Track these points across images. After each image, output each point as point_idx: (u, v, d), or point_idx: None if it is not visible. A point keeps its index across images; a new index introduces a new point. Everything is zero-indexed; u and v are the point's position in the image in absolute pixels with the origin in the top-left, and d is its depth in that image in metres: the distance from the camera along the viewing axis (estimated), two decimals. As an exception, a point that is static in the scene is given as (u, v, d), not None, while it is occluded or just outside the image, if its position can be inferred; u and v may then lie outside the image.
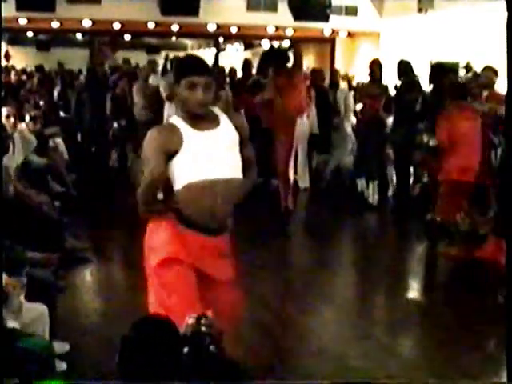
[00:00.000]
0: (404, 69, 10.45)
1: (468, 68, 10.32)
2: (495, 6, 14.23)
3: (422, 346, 5.89)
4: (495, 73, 9.60)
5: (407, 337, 6.08)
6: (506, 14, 3.41)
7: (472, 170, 8.25)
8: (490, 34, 14.39)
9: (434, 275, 8.23)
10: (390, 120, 10.85)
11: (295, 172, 12.23)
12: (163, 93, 11.48)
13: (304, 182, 12.18)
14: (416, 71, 10.70)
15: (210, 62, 18.74)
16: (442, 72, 10.17)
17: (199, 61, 3.90)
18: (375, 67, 10.85)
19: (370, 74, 10.87)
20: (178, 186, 3.80)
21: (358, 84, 11.95)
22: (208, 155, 3.77)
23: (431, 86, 10.33)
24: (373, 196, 10.84)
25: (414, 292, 7.46)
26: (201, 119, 3.81)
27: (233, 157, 3.87)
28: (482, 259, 7.82)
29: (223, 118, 3.89)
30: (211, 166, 3.78)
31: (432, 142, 9.64)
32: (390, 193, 11.23)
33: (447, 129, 8.28)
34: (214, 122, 3.86)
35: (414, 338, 6.11)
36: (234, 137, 3.89)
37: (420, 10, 16.35)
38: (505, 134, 3.35)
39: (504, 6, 4.07)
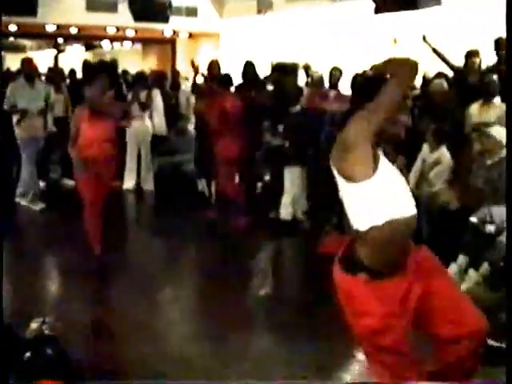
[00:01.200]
0: (248, 69, 10.61)
1: (307, 68, 10.59)
2: (332, 7, 14.68)
3: (270, 344, 5.92)
4: (340, 72, 9.93)
5: (256, 336, 6.12)
6: (505, 14, 3.44)
7: None
8: (328, 35, 14.86)
9: (283, 272, 8.41)
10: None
11: (138, 175, 12.19)
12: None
13: (148, 185, 12.14)
14: (259, 72, 10.89)
15: (49, 63, 18.33)
16: (282, 72, 10.40)
17: None
18: (214, 68, 10.95)
19: (209, 75, 10.95)
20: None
21: (195, 85, 11.98)
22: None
23: (273, 86, 10.54)
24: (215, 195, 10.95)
25: (262, 290, 7.51)
26: None
27: None
28: (325, 254, 8.07)
29: None
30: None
31: (274, 142, 9.89)
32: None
33: None
34: None
35: (263, 336, 6.14)
36: None
37: (259, 11, 16.61)
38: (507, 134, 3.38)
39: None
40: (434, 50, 9.24)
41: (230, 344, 5.74)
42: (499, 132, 7.40)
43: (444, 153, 8.21)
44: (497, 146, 7.38)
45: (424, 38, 9.24)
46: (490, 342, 5.16)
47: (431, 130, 8.18)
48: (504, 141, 7.33)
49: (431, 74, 9.74)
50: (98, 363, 5.07)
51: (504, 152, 7.37)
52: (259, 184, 10.92)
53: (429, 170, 8.20)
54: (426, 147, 8.29)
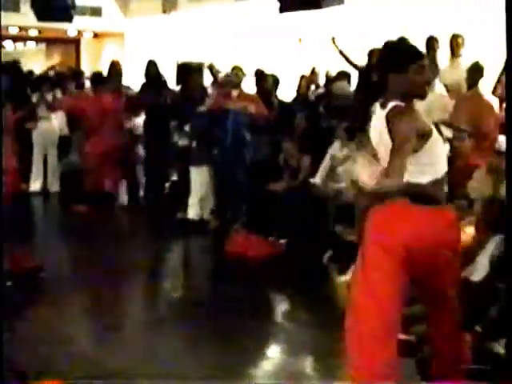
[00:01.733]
0: (151, 69, 10.53)
1: (212, 68, 10.55)
2: (236, 7, 14.69)
3: (180, 344, 5.84)
4: (243, 72, 9.92)
5: (166, 336, 6.06)
6: (505, 14, 3.42)
7: None
8: (233, 34, 14.86)
9: (191, 272, 8.38)
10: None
11: (45, 176, 11.95)
12: None
13: (55, 187, 11.93)
14: (162, 71, 10.82)
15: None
16: (187, 72, 10.36)
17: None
18: (114, 68, 10.89)
19: (110, 75, 10.90)
20: None
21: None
22: None
23: (179, 85, 10.50)
24: (122, 196, 10.83)
25: (172, 291, 7.44)
26: None
27: None
28: (233, 253, 8.08)
29: None
30: None
31: (181, 142, 9.84)
32: (141, 192, 11.17)
33: None
34: None
35: (173, 336, 6.09)
36: None
37: (164, 11, 16.52)
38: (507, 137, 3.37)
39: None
40: (341, 52, 9.34)
41: (138, 344, 5.68)
42: None
43: (354, 148, 8.27)
44: None
45: (333, 40, 9.31)
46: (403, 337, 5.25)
47: (343, 127, 8.25)
48: None
49: (334, 73, 9.85)
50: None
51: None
52: (167, 184, 10.85)
53: (338, 165, 8.28)
54: (336, 144, 8.37)
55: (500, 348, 4.47)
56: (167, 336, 5.92)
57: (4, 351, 3.83)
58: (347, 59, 9.39)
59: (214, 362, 5.22)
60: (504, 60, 3.32)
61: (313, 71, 10.48)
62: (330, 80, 9.82)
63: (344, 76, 9.50)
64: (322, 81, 10.52)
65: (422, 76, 3.93)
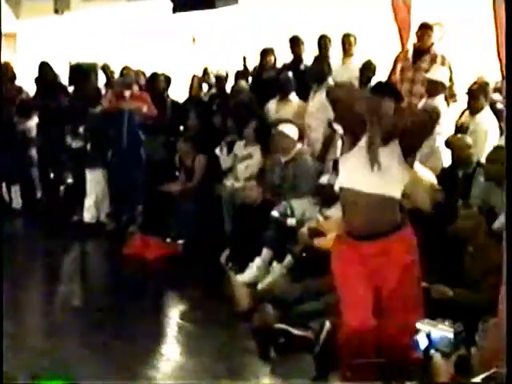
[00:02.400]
0: (44, 70, 10.33)
1: (105, 68, 10.44)
2: (130, 6, 14.53)
3: (79, 347, 5.75)
4: (134, 72, 9.85)
5: (64, 340, 5.94)
6: (505, 14, 3.39)
7: None
8: (126, 34, 14.73)
9: (87, 275, 8.27)
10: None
11: None
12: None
13: None
14: (56, 72, 10.62)
15: None
16: (80, 73, 10.21)
17: None
18: (7, 70, 10.66)
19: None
20: None
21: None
22: None
23: (72, 87, 10.33)
24: (16, 200, 10.58)
25: (68, 295, 7.28)
26: None
27: None
28: (130, 255, 8.02)
29: None
30: None
31: (75, 144, 9.68)
32: (38, 195, 10.89)
33: None
34: None
35: (72, 339, 5.99)
36: None
37: (56, 11, 16.20)
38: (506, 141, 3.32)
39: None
40: None
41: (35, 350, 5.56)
42: (291, 129, 7.57)
43: (256, 149, 8.32)
44: (291, 144, 7.55)
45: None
46: (295, 332, 5.30)
47: (252, 127, 8.29)
48: (296, 138, 7.56)
49: (224, 73, 9.89)
50: None
51: (298, 147, 7.59)
52: (62, 187, 10.65)
53: (238, 164, 8.31)
54: (240, 143, 8.39)
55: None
56: (65, 341, 5.83)
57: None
58: None
59: (113, 364, 5.17)
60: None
61: (205, 71, 10.48)
62: (221, 80, 9.84)
63: (242, 76, 9.57)
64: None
65: None
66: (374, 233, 4.25)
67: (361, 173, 4.21)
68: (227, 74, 9.92)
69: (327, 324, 5.12)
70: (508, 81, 3.39)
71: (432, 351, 3.24)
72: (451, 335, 3.21)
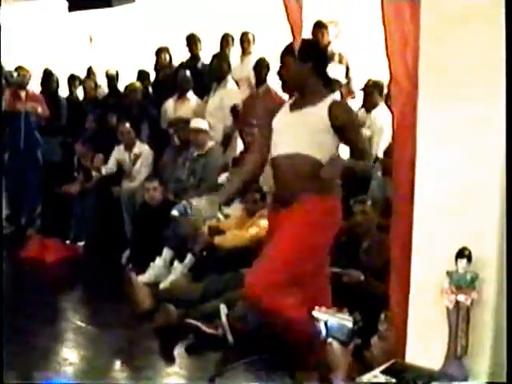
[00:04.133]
0: None
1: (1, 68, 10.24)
2: (25, 5, 14.25)
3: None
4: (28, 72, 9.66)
5: None
6: (505, 14, 3.34)
7: None
8: (23, 33, 14.42)
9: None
10: None
11: None
12: None
13: None
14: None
15: None
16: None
17: None
18: None
19: None
20: None
21: None
22: None
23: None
24: None
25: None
26: None
27: None
28: (29, 258, 7.87)
29: None
30: None
31: None
32: None
33: None
34: None
35: None
36: None
37: None
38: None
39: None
40: None
41: None
42: (198, 122, 7.66)
43: (144, 148, 8.33)
44: (205, 137, 7.65)
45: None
46: (203, 328, 5.30)
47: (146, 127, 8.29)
48: (205, 128, 7.66)
49: (114, 72, 9.83)
50: None
51: (211, 143, 7.68)
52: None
53: (130, 165, 8.28)
54: (137, 143, 8.38)
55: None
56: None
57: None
58: None
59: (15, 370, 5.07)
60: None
61: (89, 71, 10.42)
62: (112, 79, 9.78)
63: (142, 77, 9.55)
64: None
65: None
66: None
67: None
68: (117, 73, 9.87)
69: (222, 306, 5.23)
70: (508, 81, 3.41)
71: (330, 339, 3.29)
72: (349, 324, 3.26)
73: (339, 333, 3.25)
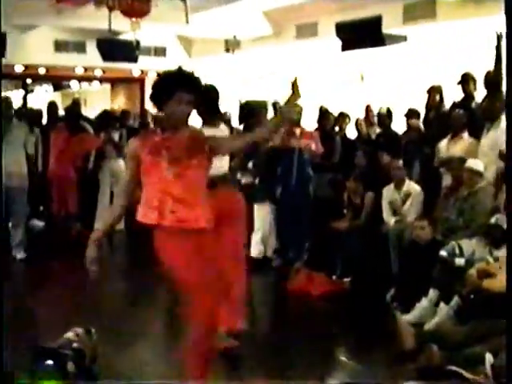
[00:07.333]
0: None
1: (276, 105, 10.65)
2: (299, 44, 14.77)
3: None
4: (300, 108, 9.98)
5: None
6: (505, 15, 3.47)
7: None
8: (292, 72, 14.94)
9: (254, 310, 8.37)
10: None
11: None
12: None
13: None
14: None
15: (18, 103, 18.13)
16: (250, 111, 10.42)
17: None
18: None
19: None
20: None
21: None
22: None
23: (242, 125, 10.57)
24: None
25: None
26: None
27: None
28: (296, 291, 8.04)
29: None
30: None
31: (245, 180, 9.87)
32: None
33: None
34: None
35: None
36: None
37: (227, 50, 16.70)
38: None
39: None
40: None
41: None
42: (476, 164, 7.56)
43: (414, 186, 8.33)
44: (475, 177, 7.53)
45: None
46: (467, 375, 5.19)
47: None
48: (481, 171, 7.54)
49: (385, 110, 9.89)
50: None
51: (483, 183, 7.56)
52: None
53: (401, 203, 8.30)
54: (408, 182, 8.47)
55: None
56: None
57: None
58: None
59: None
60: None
61: (367, 109, 10.52)
62: (383, 117, 9.85)
63: (414, 114, 9.55)
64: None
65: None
66: None
67: None
68: (390, 112, 9.94)
69: (488, 356, 5.10)
70: (508, 80, 3.36)
71: None
72: None
73: None
